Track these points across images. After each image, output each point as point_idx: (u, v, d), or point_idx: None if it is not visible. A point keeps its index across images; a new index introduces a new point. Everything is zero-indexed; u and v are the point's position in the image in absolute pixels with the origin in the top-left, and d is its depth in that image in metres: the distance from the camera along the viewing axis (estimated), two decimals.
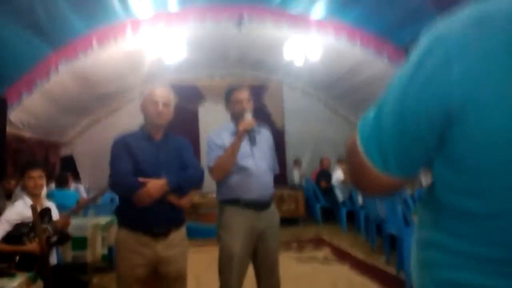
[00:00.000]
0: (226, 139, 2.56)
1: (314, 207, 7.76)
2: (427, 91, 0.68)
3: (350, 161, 0.84)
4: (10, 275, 2.08)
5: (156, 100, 2.33)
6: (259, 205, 2.55)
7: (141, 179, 2.16)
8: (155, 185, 2.17)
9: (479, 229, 0.69)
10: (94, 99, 7.73)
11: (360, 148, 0.79)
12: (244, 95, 2.61)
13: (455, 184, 0.72)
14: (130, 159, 2.25)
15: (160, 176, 2.23)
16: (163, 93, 2.37)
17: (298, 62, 7.03)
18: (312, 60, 6.90)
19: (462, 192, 0.71)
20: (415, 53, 0.72)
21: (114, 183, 2.26)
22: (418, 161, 0.77)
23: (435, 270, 0.76)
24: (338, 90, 8.48)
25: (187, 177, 2.36)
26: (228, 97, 2.65)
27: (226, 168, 2.48)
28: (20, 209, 2.82)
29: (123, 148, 2.28)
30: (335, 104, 9.33)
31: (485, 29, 0.64)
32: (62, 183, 5.48)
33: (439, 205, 0.76)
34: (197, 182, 2.47)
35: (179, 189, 2.31)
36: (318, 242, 6.23)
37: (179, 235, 2.34)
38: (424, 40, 0.72)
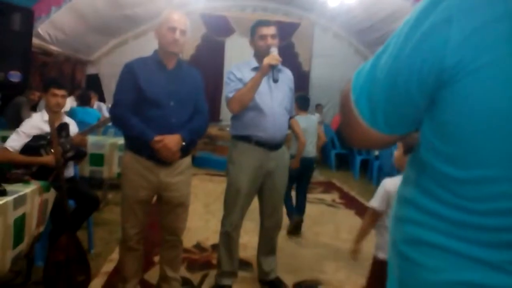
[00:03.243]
0: (246, 73, 2.53)
1: (329, 153, 7.79)
2: (423, 49, 0.65)
3: (342, 110, 0.82)
4: (25, 182, 2.20)
5: (174, 26, 2.23)
6: (270, 145, 2.57)
7: (158, 137, 2.15)
8: (172, 141, 2.18)
9: (455, 194, 0.69)
10: (123, 20, 7.67)
11: (352, 97, 0.77)
12: (270, 30, 2.54)
13: (438, 147, 0.71)
14: (134, 89, 2.21)
15: (169, 106, 2.24)
16: (181, 20, 2.26)
17: (332, 3, 6.74)
18: (348, 2, 6.60)
19: (443, 156, 0.70)
20: (419, 5, 0.69)
21: (124, 123, 2.24)
22: (406, 121, 0.75)
23: (407, 226, 0.77)
24: (372, 37, 8.15)
25: (197, 129, 2.37)
26: (254, 31, 2.58)
27: (245, 101, 2.47)
28: (37, 122, 2.91)
29: (129, 77, 2.24)
30: (366, 51, 9.01)
31: None
32: (84, 102, 5.61)
33: (421, 166, 0.76)
34: (205, 131, 2.53)
35: (192, 141, 2.35)
36: (328, 186, 6.34)
37: (183, 163, 2.37)
38: None
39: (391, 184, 2.07)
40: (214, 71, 8.60)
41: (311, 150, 3.95)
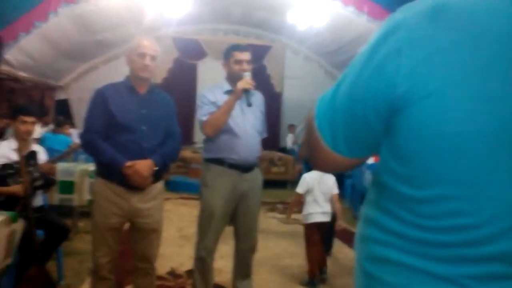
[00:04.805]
0: (219, 96, 2.55)
1: (301, 173, 7.83)
2: (376, 79, 0.69)
3: (307, 135, 0.85)
4: None
5: (144, 52, 2.25)
6: (244, 167, 2.59)
7: (129, 163, 2.14)
8: (144, 166, 2.17)
9: (412, 212, 0.72)
10: (93, 45, 7.63)
11: (315, 124, 0.80)
12: (245, 56, 2.58)
13: (395, 169, 0.74)
14: (105, 115, 2.21)
15: (140, 130, 2.23)
16: (151, 46, 2.28)
17: (302, 26, 6.91)
18: (317, 25, 6.79)
19: (400, 177, 0.74)
20: (375, 35, 0.72)
21: (95, 149, 2.22)
22: (366, 145, 0.79)
23: (370, 245, 0.80)
24: (340, 58, 8.37)
25: (169, 153, 2.37)
26: (229, 55, 2.62)
27: (219, 125, 2.48)
28: (4, 151, 2.84)
29: (100, 102, 2.24)
30: (335, 72, 9.23)
31: (438, 23, 0.64)
32: (57, 128, 5.52)
33: (381, 187, 0.79)
34: (177, 155, 2.54)
35: (164, 165, 2.34)
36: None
37: (156, 188, 2.35)
38: (385, 24, 0.71)
39: (309, 175, 3.39)
40: (187, 94, 8.61)
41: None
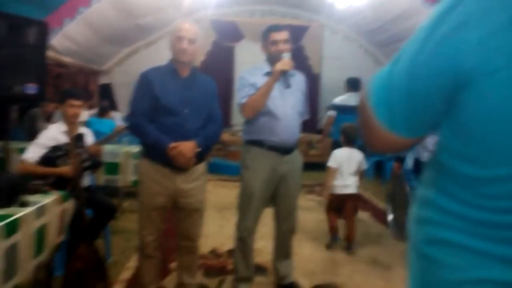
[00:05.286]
0: (259, 78, 2.55)
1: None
2: (440, 54, 0.66)
3: (361, 115, 0.83)
4: (44, 192, 2.25)
5: (182, 35, 2.28)
6: (283, 149, 2.59)
7: (173, 144, 2.21)
8: (187, 147, 2.23)
9: (473, 193, 0.71)
10: (134, 30, 7.75)
11: (370, 103, 0.78)
12: (282, 36, 2.56)
13: (457, 148, 0.72)
14: (150, 98, 2.27)
15: (183, 113, 2.28)
16: (189, 29, 2.30)
17: (341, 5, 6.74)
18: (357, 3, 6.59)
19: (462, 156, 0.72)
20: (435, 10, 0.69)
21: (140, 131, 2.29)
22: (425, 124, 0.76)
23: (428, 227, 0.78)
24: (381, 37, 8.11)
25: (211, 136, 2.42)
26: (266, 36, 2.61)
27: (257, 107, 2.49)
28: (54, 133, 2.97)
29: (145, 86, 2.30)
30: (376, 52, 8.97)
31: None
32: (102, 113, 5.71)
33: (440, 167, 0.77)
34: (219, 137, 2.59)
35: (206, 148, 2.39)
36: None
37: (199, 169, 2.42)
38: None
39: (339, 151, 3.72)
40: (224, 77, 8.64)
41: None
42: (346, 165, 3.66)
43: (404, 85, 0.72)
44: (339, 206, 3.75)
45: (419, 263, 0.81)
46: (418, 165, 3.78)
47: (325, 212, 3.85)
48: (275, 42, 2.55)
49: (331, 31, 9.08)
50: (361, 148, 3.75)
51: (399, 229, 3.92)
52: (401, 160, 4.04)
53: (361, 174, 3.75)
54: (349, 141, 3.77)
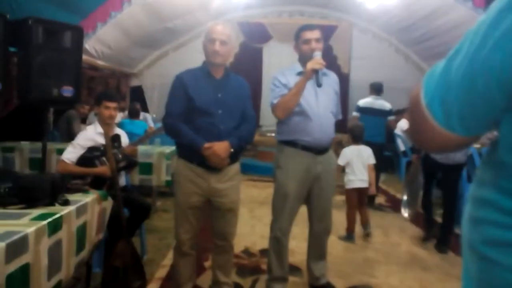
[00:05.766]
0: (291, 78, 2.55)
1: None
2: (503, 50, 0.64)
3: (412, 114, 0.82)
4: (84, 191, 2.31)
5: (214, 37, 2.30)
6: (317, 149, 2.58)
7: (207, 144, 2.23)
8: (221, 147, 2.25)
9: None
10: (163, 33, 7.88)
11: (423, 101, 0.76)
12: (314, 34, 2.55)
13: None
14: (185, 99, 2.30)
15: (217, 113, 2.31)
16: (221, 31, 2.32)
17: (371, 4, 6.66)
18: (387, 2, 6.51)
19: None
20: (496, 5, 0.67)
21: (176, 132, 2.33)
22: (484, 121, 0.74)
23: (486, 227, 0.76)
24: (413, 35, 7.95)
25: (245, 136, 2.43)
26: (298, 36, 2.61)
27: (289, 107, 2.49)
28: (91, 135, 3.05)
29: (180, 88, 2.34)
30: (407, 50, 8.81)
31: None
32: (133, 115, 5.83)
33: (500, 165, 0.75)
34: (252, 138, 2.60)
35: (240, 148, 2.40)
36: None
37: (232, 169, 2.43)
38: None
39: (349, 149, 4.09)
40: (253, 78, 8.65)
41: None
42: (356, 161, 4.02)
43: (464, 81, 0.70)
44: (363, 198, 4.10)
45: (476, 264, 0.78)
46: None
47: (347, 209, 4.08)
48: (307, 41, 2.55)
49: (360, 30, 8.97)
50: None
51: (411, 209, 4.77)
52: (418, 151, 4.30)
53: (371, 168, 4.07)
54: (357, 139, 4.20)
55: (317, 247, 2.79)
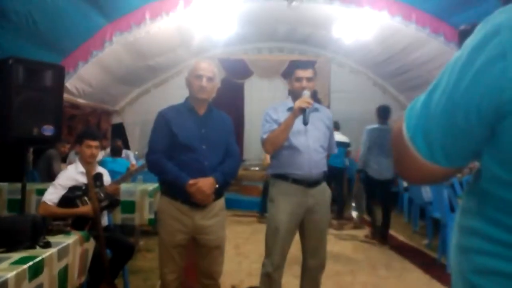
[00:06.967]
0: (282, 114, 2.60)
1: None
2: (480, 84, 0.67)
3: (395, 147, 0.83)
4: (66, 232, 2.25)
5: (200, 74, 2.34)
6: (308, 182, 2.59)
7: (192, 181, 2.22)
8: (206, 184, 2.24)
9: None
10: (145, 70, 7.94)
11: (406, 135, 0.78)
12: (306, 73, 2.63)
13: (501, 176, 0.71)
14: (168, 136, 2.30)
15: (201, 149, 2.31)
16: (207, 67, 2.37)
17: (348, 40, 6.87)
18: (363, 38, 6.73)
19: (506, 183, 0.71)
20: (470, 42, 0.71)
21: (160, 169, 2.32)
22: (466, 153, 0.76)
23: (475, 256, 0.76)
24: (389, 69, 8.21)
25: (229, 171, 2.43)
26: (291, 73, 2.68)
27: (278, 142, 2.53)
28: (72, 174, 3.01)
29: (163, 124, 2.34)
30: (384, 83, 9.06)
31: None
32: (115, 153, 5.77)
33: (484, 195, 0.76)
34: (236, 173, 2.60)
35: (225, 184, 2.40)
36: (359, 222, 6.23)
37: (217, 205, 2.41)
38: (481, 29, 0.70)
39: None
40: (235, 113, 8.73)
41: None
42: None
43: (444, 114, 0.73)
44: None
45: None
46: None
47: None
48: (299, 79, 2.62)
49: (338, 64, 9.21)
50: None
51: (359, 213, 6.23)
52: (360, 171, 5.31)
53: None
54: None
55: (310, 283, 2.72)
